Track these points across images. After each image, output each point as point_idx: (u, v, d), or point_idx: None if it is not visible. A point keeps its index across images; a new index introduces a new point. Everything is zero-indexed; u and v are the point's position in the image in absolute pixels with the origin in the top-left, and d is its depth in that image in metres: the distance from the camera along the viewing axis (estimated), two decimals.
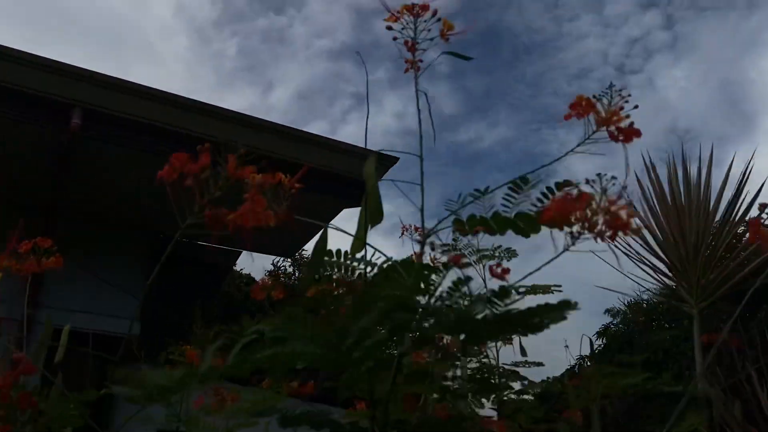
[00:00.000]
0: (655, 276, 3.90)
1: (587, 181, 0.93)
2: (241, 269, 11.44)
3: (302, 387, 1.87)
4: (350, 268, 1.17)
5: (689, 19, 22.34)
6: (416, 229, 1.58)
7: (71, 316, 5.33)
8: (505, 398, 1.82)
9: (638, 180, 4.15)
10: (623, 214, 0.87)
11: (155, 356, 2.70)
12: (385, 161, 5.42)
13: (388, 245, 1.23)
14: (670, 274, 3.81)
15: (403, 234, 1.92)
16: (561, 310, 0.88)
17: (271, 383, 1.63)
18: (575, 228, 0.90)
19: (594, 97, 1.06)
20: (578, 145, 1.06)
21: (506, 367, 1.88)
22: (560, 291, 1.93)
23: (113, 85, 4.73)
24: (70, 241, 5.49)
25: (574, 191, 0.93)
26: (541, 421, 1.80)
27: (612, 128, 1.03)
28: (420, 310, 0.86)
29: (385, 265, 1.11)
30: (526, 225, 1.01)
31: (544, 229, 0.98)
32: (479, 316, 0.84)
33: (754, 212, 3.90)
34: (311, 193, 5.10)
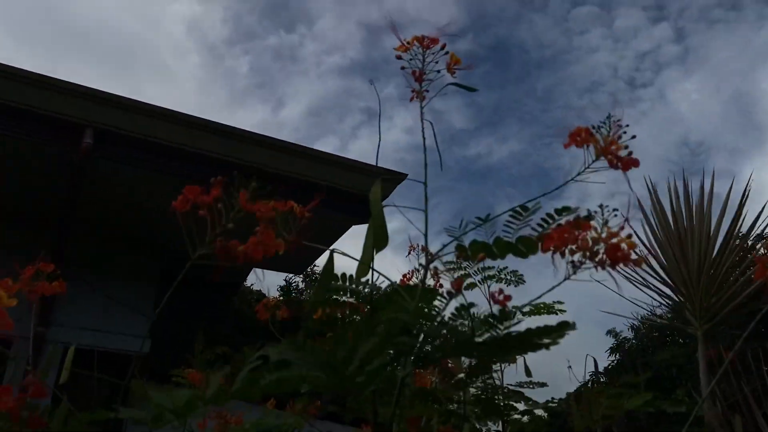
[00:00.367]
0: (659, 299, 3.91)
1: (588, 212, 0.95)
2: (251, 285, 11.49)
3: (310, 407, 1.88)
4: (356, 292, 1.19)
5: (700, 32, 22.38)
6: (423, 248, 1.61)
7: (81, 333, 5.39)
8: (510, 419, 1.82)
9: (639, 203, 4.16)
10: (624, 246, 0.88)
11: (164, 374, 2.72)
12: (394, 178, 5.45)
13: (400, 261, 1.24)
14: (674, 296, 3.82)
15: (410, 253, 1.94)
16: (559, 331, 0.90)
17: (275, 403, 1.64)
18: (576, 257, 0.92)
19: (593, 127, 1.08)
20: (578, 174, 1.08)
21: (510, 387, 1.88)
22: (564, 311, 1.94)
23: (125, 106, 4.80)
24: (82, 259, 5.56)
25: (575, 219, 0.94)
26: None
27: (611, 157, 1.06)
28: (422, 334, 0.88)
29: (389, 289, 1.13)
30: (528, 248, 1.03)
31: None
32: (480, 339, 0.85)
33: (756, 232, 3.92)
34: (321, 210, 5.16)
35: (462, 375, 1.29)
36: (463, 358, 1.37)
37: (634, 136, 1.08)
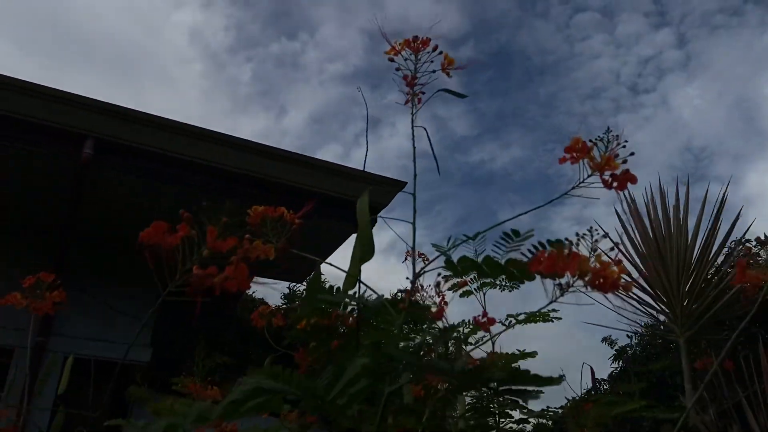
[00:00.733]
0: (641, 308, 3.93)
1: (578, 236, 0.93)
2: (253, 293, 11.48)
3: (306, 416, 1.87)
4: (343, 305, 1.19)
5: (702, 38, 22.36)
6: (420, 255, 1.61)
7: (82, 343, 5.39)
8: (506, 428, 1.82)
9: (618, 214, 4.18)
10: (613, 274, 0.86)
11: (166, 383, 2.72)
12: (394, 186, 5.45)
13: (401, 267, 1.23)
14: (656, 305, 3.84)
15: (405, 260, 1.95)
16: (533, 380, 0.88)
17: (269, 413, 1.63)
18: (564, 280, 0.90)
19: (590, 141, 1.04)
20: (572, 188, 1.04)
21: (506, 396, 1.87)
22: (559, 318, 1.94)
23: (124, 115, 4.81)
24: (83, 269, 5.57)
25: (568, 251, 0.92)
26: None
27: (606, 175, 1.01)
28: (403, 361, 0.87)
29: (376, 302, 1.13)
30: (519, 271, 1.00)
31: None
32: (454, 370, 0.84)
33: (732, 239, 3.93)
34: (322, 219, 5.16)
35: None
36: None
37: (632, 153, 1.03)
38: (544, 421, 2.12)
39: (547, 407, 1.93)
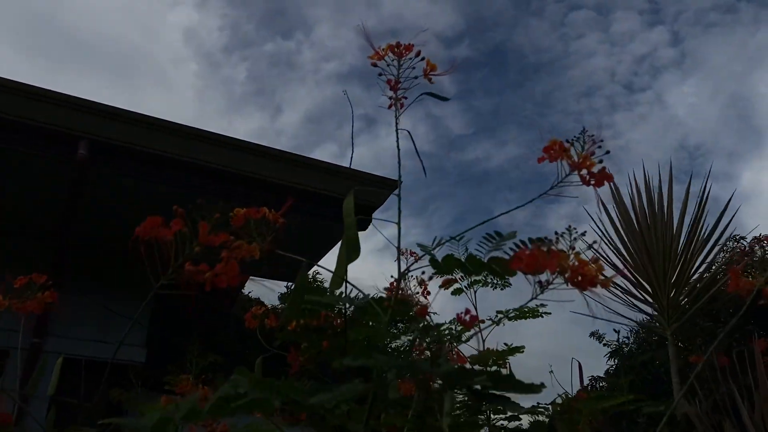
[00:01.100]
0: (625, 297, 3.93)
1: (557, 234, 0.95)
2: (249, 292, 11.53)
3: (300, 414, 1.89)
4: (330, 306, 1.20)
5: (696, 36, 22.44)
6: (412, 253, 1.62)
7: (78, 344, 5.40)
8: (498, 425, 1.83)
9: (603, 204, 4.18)
10: (592, 271, 0.88)
11: (161, 383, 2.73)
12: (389, 186, 5.47)
13: (395, 267, 1.24)
14: (642, 298, 3.85)
15: (398, 259, 1.95)
16: (515, 387, 0.90)
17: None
18: (544, 277, 0.92)
19: (567, 141, 1.07)
20: (551, 188, 1.07)
21: (497, 393, 1.88)
22: (548, 313, 1.95)
23: (119, 116, 4.82)
24: (79, 270, 5.58)
25: (548, 248, 0.94)
26: None
27: (584, 172, 1.05)
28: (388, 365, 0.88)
29: (364, 302, 1.14)
30: (501, 268, 1.03)
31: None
32: (438, 372, 0.86)
33: (717, 234, 3.94)
34: (317, 219, 5.17)
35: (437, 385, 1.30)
36: None
37: (608, 152, 1.06)
38: (540, 417, 2.14)
39: (538, 404, 1.95)
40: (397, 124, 1.33)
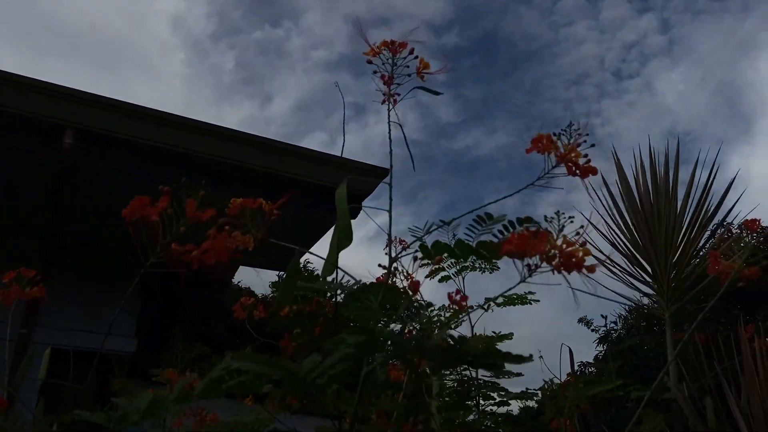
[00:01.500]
0: (623, 277, 3.91)
1: (546, 219, 0.97)
2: (239, 282, 11.53)
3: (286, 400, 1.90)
4: (322, 291, 1.21)
5: (685, 23, 22.52)
6: (401, 241, 1.63)
7: (67, 335, 5.38)
8: (486, 410, 1.86)
9: (606, 185, 4.17)
10: (579, 254, 0.90)
11: (147, 373, 2.73)
12: (379, 174, 5.45)
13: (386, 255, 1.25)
14: (641, 278, 3.84)
15: (389, 245, 1.96)
16: (504, 357, 0.92)
17: (253, 398, 1.66)
18: (533, 261, 0.94)
19: (554, 134, 1.11)
20: (538, 179, 1.11)
21: (485, 378, 1.91)
22: (537, 300, 1.97)
23: (105, 105, 4.77)
24: (68, 261, 5.55)
25: (536, 230, 0.96)
26: None
27: (570, 164, 1.08)
28: (381, 339, 0.90)
29: (355, 287, 1.15)
30: (489, 252, 1.06)
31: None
32: (429, 346, 0.87)
33: (723, 211, 3.93)
34: (308, 208, 5.16)
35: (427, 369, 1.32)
36: None
37: (593, 145, 1.10)
38: (529, 402, 2.16)
39: (527, 389, 1.97)
40: (389, 117, 1.35)
